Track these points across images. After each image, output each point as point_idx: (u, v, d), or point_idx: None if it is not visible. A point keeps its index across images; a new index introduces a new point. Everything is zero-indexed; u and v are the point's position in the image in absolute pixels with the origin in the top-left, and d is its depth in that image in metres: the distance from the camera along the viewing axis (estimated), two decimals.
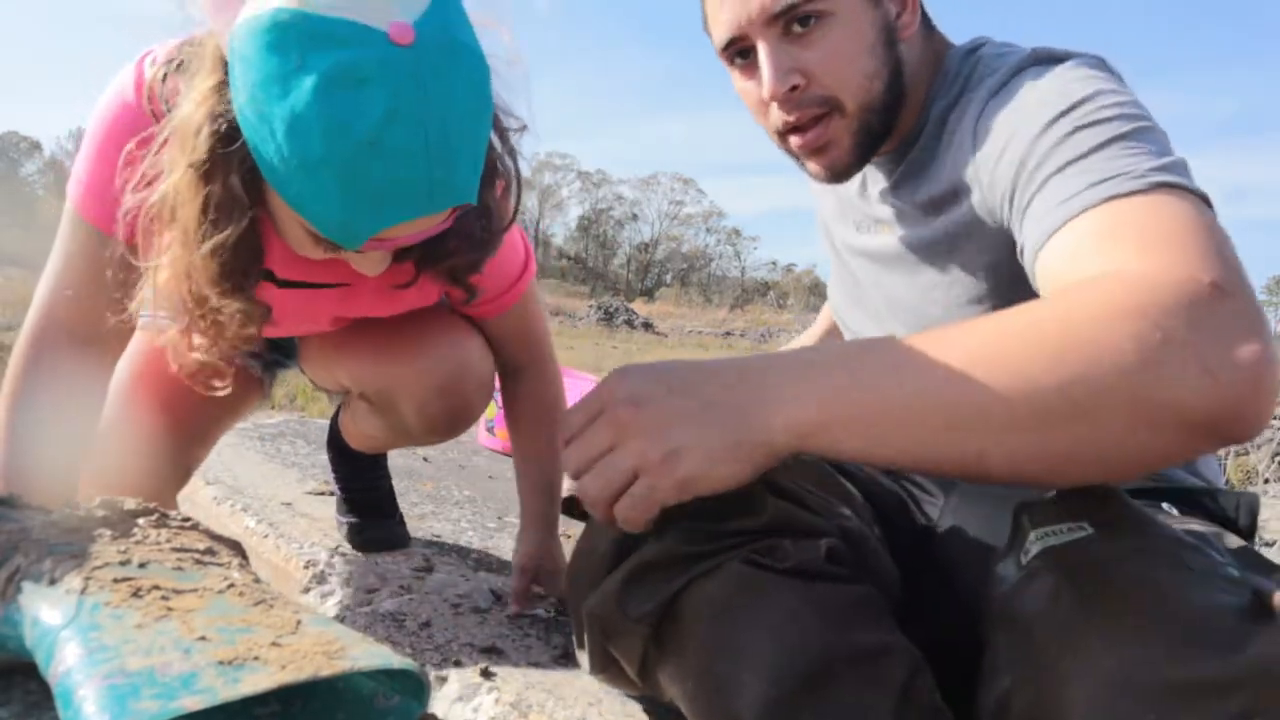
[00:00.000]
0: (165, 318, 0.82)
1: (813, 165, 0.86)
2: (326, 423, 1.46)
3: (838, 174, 0.87)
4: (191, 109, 0.69)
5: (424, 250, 0.81)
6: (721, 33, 0.83)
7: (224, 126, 0.68)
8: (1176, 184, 0.61)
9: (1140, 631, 0.49)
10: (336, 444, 1.28)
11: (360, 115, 0.61)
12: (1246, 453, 3.52)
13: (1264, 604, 0.50)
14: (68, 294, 0.84)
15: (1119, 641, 0.49)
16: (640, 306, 23.88)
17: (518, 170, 0.83)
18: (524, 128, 0.81)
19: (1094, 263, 0.59)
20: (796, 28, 0.79)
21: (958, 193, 0.81)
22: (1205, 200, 0.62)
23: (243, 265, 0.75)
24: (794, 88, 0.81)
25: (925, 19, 0.88)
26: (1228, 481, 3.05)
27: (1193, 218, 0.59)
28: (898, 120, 0.86)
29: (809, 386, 0.57)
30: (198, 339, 0.82)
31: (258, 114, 0.64)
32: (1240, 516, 0.75)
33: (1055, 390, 0.51)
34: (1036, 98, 0.73)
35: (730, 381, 0.59)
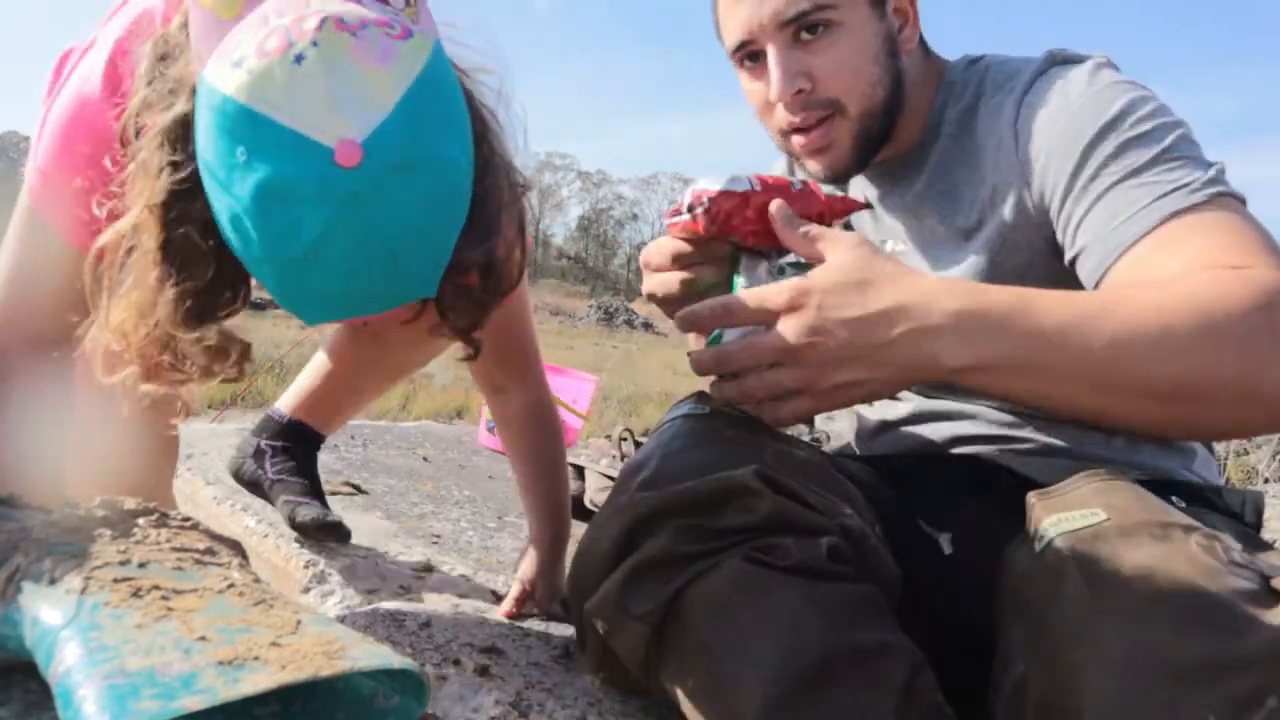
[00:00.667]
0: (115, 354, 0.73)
1: (813, 164, 0.90)
2: None
3: (837, 174, 0.90)
4: (154, 147, 0.65)
5: (420, 311, 0.76)
6: (733, 36, 0.86)
7: (186, 171, 0.63)
8: (1228, 192, 0.71)
9: (1152, 615, 0.50)
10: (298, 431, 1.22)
11: (295, 232, 0.58)
12: (1247, 452, 3.53)
13: (1272, 589, 0.50)
14: (22, 297, 0.79)
15: (1131, 625, 0.50)
16: (640, 306, 23.87)
17: (523, 228, 0.81)
18: (528, 189, 0.79)
19: (1187, 265, 0.67)
20: (805, 34, 0.83)
21: (998, 191, 0.85)
22: (1243, 200, 0.72)
23: (214, 304, 0.68)
24: (800, 91, 0.84)
25: (922, 37, 0.92)
26: (1229, 481, 3.05)
27: (1251, 221, 0.70)
28: (896, 127, 0.89)
29: (982, 338, 0.62)
30: (155, 379, 0.73)
31: (211, 179, 0.61)
32: (1246, 513, 0.76)
33: (1186, 372, 0.60)
34: (1075, 103, 0.79)
35: (913, 324, 0.63)
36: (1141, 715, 0.47)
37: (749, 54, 0.87)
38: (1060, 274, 0.78)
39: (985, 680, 0.63)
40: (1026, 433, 0.88)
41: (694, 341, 0.85)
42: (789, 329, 0.64)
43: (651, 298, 0.82)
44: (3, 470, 0.77)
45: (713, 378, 0.73)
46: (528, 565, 1.07)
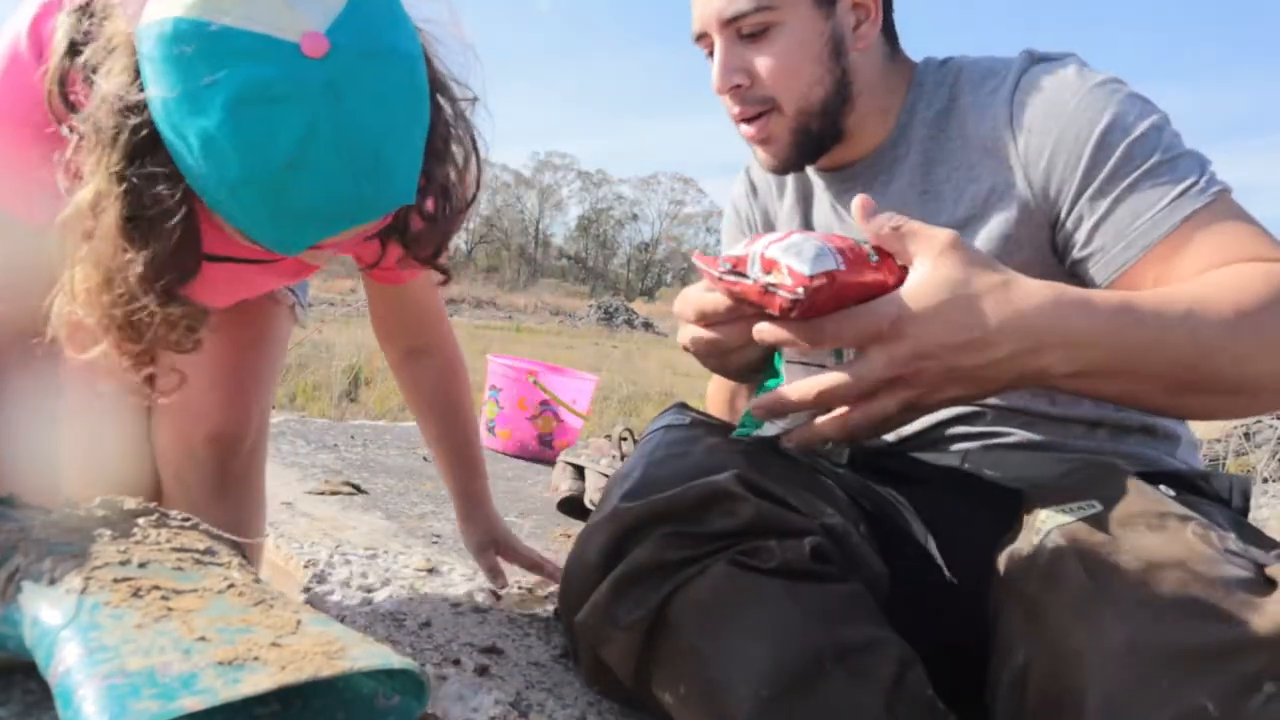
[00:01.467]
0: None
1: (761, 154, 0.94)
2: (326, 423, 1.46)
3: (780, 167, 0.94)
4: (104, 111, 0.60)
5: (386, 234, 0.75)
6: (693, 27, 0.91)
7: (143, 132, 0.60)
8: (1225, 187, 0.76)
9: (1151, 602, 0.50)
10: None
11: (276, 137, 0.56)
12: (1246, 452, 3.53)
13: (1267, 576, 0.51)
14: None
15: (1130, 611, 0.50)
16: (640, 306, 23.90)
17: (475, 145, 0.75)
18: (475, 99, 0.74)
19: (1211, 262, 0.72)
20: (747, 32, 0.87)
21: (996, 189, 0.85)
22: (1231, 190, 0.77)
23: (178, 270, 0.65)
24: (737, 86, 0.88)
25: (891, 36, 0.93)
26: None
27: (1248, 214, 0.75)
28: (844, 126, 0.91)
29: (1090, 349, 0.62)
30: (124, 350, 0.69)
31: (172, 127, 0.58)
32: (1234, 498, 0.77)
33: (1271, 371, 0.64)
34: (1071, 103, 0.81)
35: (1024, 344, 0.61)
36: (1142, 701, 0.47)
37: (708, 44, 0.91)
38: (1057, 274, 0.78)
39: (979, 677, 0.63)
40: (1011, 428, 0.88)
41: (744, 393, 0.84)
42: (893, 357, 0.60)
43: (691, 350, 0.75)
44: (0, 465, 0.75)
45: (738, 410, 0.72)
46: (472, 527, 1.10)
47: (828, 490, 0.75)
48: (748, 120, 0.91)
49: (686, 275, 55.84)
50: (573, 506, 1.68)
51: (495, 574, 1.08)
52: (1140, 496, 0.60)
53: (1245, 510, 0.78)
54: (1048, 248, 0.83)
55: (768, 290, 0.62)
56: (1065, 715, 0.50)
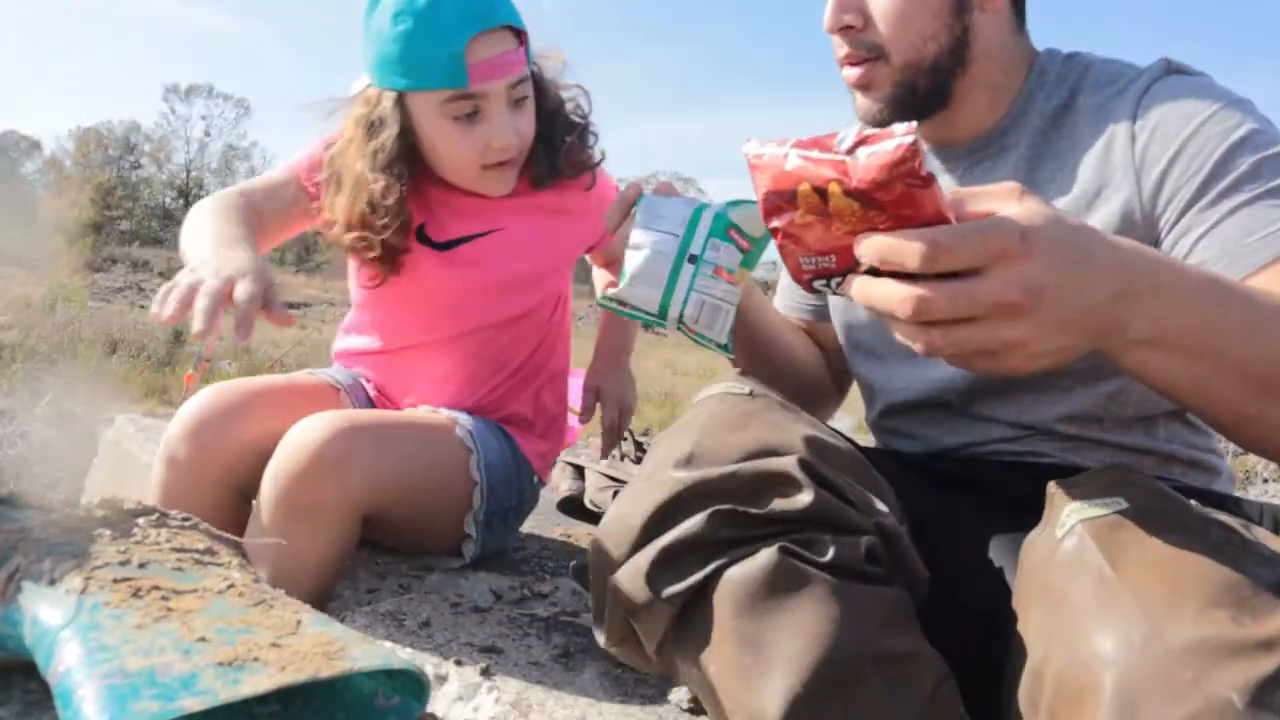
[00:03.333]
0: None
1: (860, 100, 0.88)
2: None
3: (875, 118, 0.87)
4: (350, 124, 1.15)
5: (537, 143, 1.17)
6: None
7: (369, 91, 1.13)
8: None
9: (1174, 596, 0.50)
10: None
11: None
12: (1246, 452, 3.52)
13: None
14: (258, 186, 1.18)
15: (1154, 605, 0.49)
16: None
17: (582, 111, 1.23)
18: (585, 91, 1.24)
19: None
20: None
21: (1104, 191, 0.81)
22: None
23: (383, 219, 1.12)
24: (848, 27, 0.84)
25: (1020, 10, 0.89)
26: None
27: None
28: (953, 90, 0.86)
29: (1174, 311, 0.57)
30: (356, 229, 1.14)
31: (371, 53, 1.10)
32: (1264, 523, 0.76)
33: None
34: (1204, 113, 0.77)
35: (1120, 287, 0.55)
36: (1165, 694, 0.46)
37: None
38: None
39: (989, 695, 0.63)
40: (1051, 448, 0.85)
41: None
42: (1020, 278, 0.52)
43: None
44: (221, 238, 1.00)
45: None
46: (597, 365, 1.39)
47: (880, 484, 0.73)
48: (853, 64, 0.86)
49: None
50: (573, 506, 1.68)
51: (586, 410, 1.38)
52: (1166, 499, 0.59)
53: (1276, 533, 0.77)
54: None
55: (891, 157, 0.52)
56: (1084, 708, 0.50)
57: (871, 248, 0.55)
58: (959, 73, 0.86)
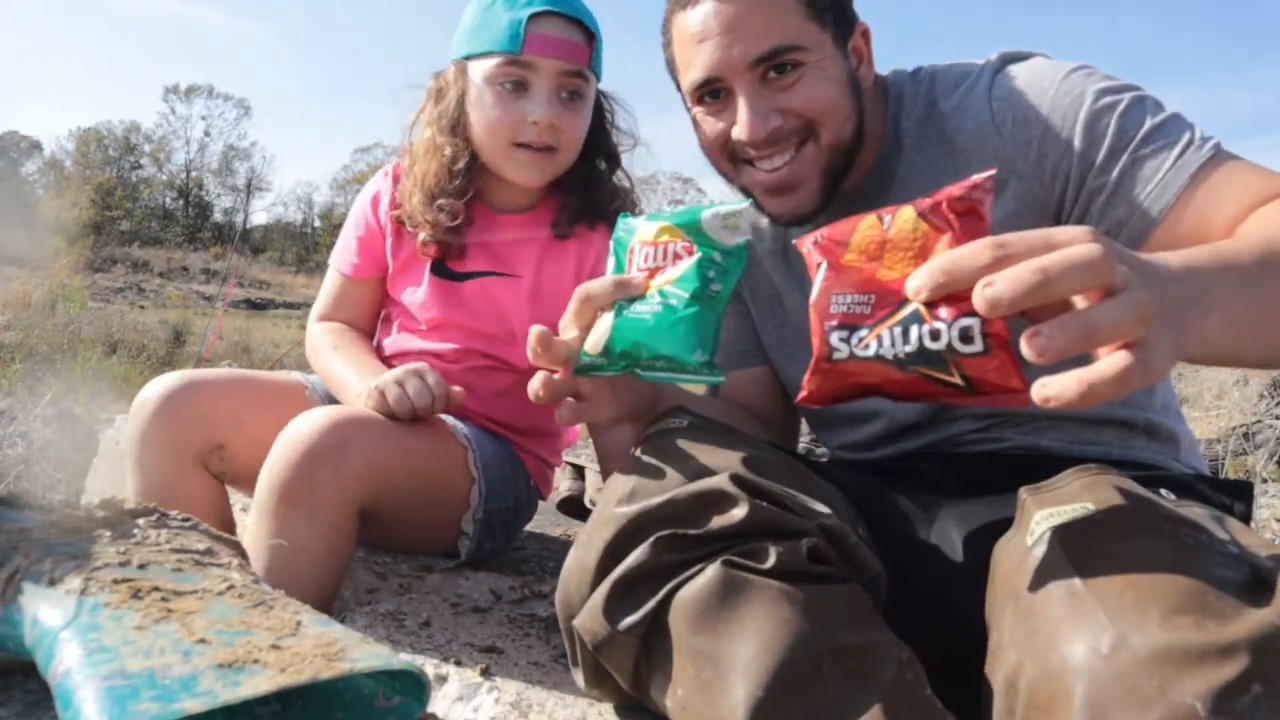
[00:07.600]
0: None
1: (775, 204, 0.89)
2: None
3: (801, 215, 0.89)
4: (425, 124, 1.22)
5: (570, 181, 1.20)
6: (695, 74, 0.86)
7: (447, 115, 1.18)
8: (1215, 138, 0.77)
9: (1140, 604, 0.50)
10: None
11: None
12: (1245, 453, 3.53)
13: (1262, 579, 0.51)
14: (336, 312, 1.31)
15: (1120, 613, 0.50)
16: None
17: (622, 183, 1.27)
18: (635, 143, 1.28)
19: (1239, 210, 0.73)
20: (774, 74, 0.83)
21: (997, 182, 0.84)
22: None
23: (453, 180, 1.18)
24: (777, 126, 0.84)
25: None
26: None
27: (1243, 158, 0.77)
28: (854, 163, 0.89)
29: (1239, 309, 0.59)
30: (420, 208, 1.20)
31: (461, 36, 1.16)
32: (1235, 504, 0.77)
33: None
34: (1050, 90, 0.82)
35: (1192, 287, 0.56)
36: (1130, 702, 0.47)
37: (710, 91, 0.87)
38: None
39: (976, 677, 0.63)
40: (1012, 432, 0.88)
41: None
42: (1145, 293, 0.51)
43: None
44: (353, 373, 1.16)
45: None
46: None
47: (825, 490, 0.75)
48: (773, 169, 0.86)
49: None
50: (573, 506, 1.69)
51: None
52: (1134, 500, 0.59)
53: (1248, 516, 0.78)
54: None
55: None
56: (1055, 715, 0.50)
57: (935, 264, 0.55)
58: (861, 148, 0.89)
